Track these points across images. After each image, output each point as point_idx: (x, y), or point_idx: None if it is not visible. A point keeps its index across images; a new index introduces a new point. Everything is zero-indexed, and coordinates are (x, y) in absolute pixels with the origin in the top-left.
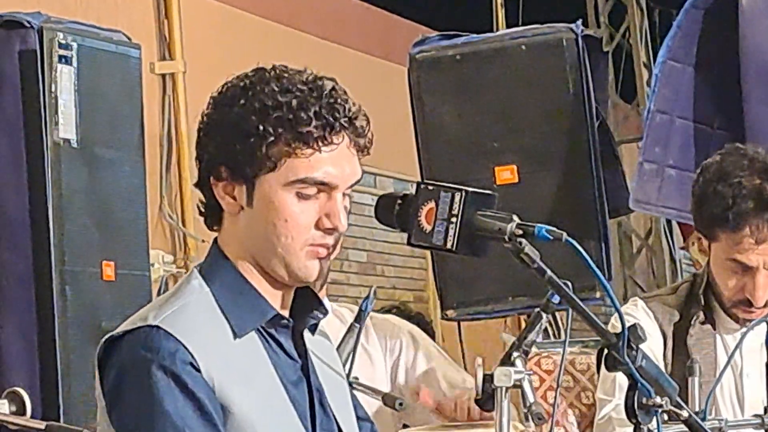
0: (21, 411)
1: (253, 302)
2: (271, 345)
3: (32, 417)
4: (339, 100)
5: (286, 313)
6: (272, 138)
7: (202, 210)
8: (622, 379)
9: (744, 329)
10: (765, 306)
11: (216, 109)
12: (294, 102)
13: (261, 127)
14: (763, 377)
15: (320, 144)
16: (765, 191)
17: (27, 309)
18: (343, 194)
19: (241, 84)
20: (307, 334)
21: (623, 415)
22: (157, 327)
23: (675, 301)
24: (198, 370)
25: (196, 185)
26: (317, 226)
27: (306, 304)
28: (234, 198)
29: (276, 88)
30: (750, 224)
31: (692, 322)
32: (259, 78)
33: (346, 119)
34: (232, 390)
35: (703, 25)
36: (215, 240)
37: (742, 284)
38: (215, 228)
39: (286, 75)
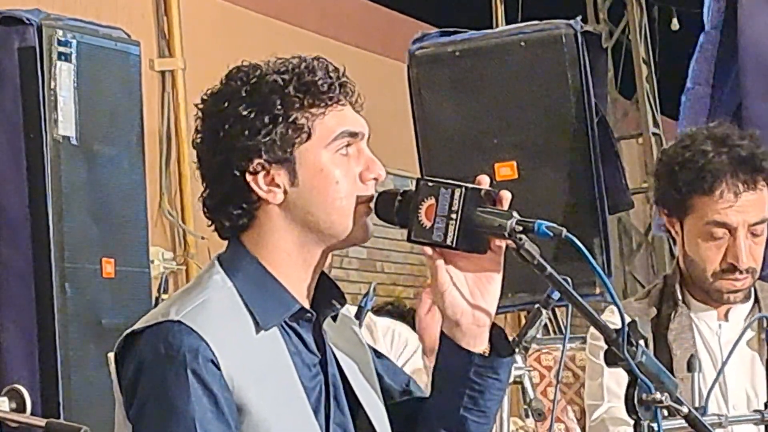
0: (21, 408)
1: (279, 295)
2: (293, 340)
3: (32, 414)
4: (330, 65)
5: (308, 305)
6: (298, 105)
7: (231, 218)
8: (608, 383)
9: (723, 321)
10: (748, 273)
11: (218, 114)
12: (301, 69)
13: (283, 101)
14: (745, 369)
15: (339, 99)
16: (734, 149)
17: (27, 306)
18: None
19: (230, 82)
20: (328, 321)
21: (615, 415)
22: (179, 322)
23: (650, 301)
24: (218, 368)
25: (222, 200)
26: (363, 177)
27: (326, 294)
28: (277, 185)
29: (277, 68)
30: (726, 180)
31: (671, 317)
32: (250, 67)
33: (345, 78)
34: (250, 389)
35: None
36: (235, 236)
37: (724, 251)
38: (243, 231)
39: (271, 59)
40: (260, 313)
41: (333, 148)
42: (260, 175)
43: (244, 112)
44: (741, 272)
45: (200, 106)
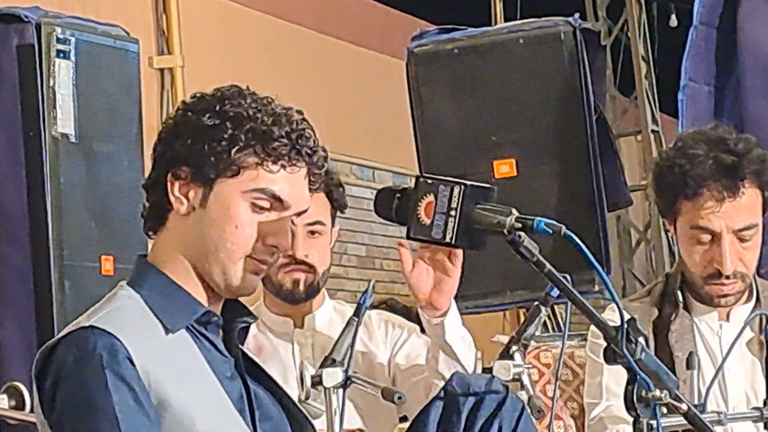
0: (20, 405)
1: (183, 301)
2: (203, 343)
3: (31, 411)
4: (307, 131)
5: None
6: (242, 145)
7: (146, 211)
8: (608, 382)
9: (724, 322)
10: (736, 278)
11: (188, 112)
12: (268, 119)
13: (234, 133)
14: (746, 370)
15: (285, 163)
16: (719, 156)
17: (26, 303)
18: (292, 222)
19: (217, 94)
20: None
21: (613, 413)
22: (92, 326)
23: (651, 301)
24: (133, 365)
25: (145, 184)
26: (263, 241)
27: (234, 310)
28: (188, 198)
29: (252, 104)
30: (709, 186)
31: (672, 319)
32: (235, 92)
33: (310, 150)
34: (169, 385)
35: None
36: (140, 256)
37: (710, 255)
38: (153, 232)
39: (259, 96)
40: (167, 318)
41: (249, 197)
42: (179, 183)
43: (202, 121)
44: (727, 277)
45: (188, 98)
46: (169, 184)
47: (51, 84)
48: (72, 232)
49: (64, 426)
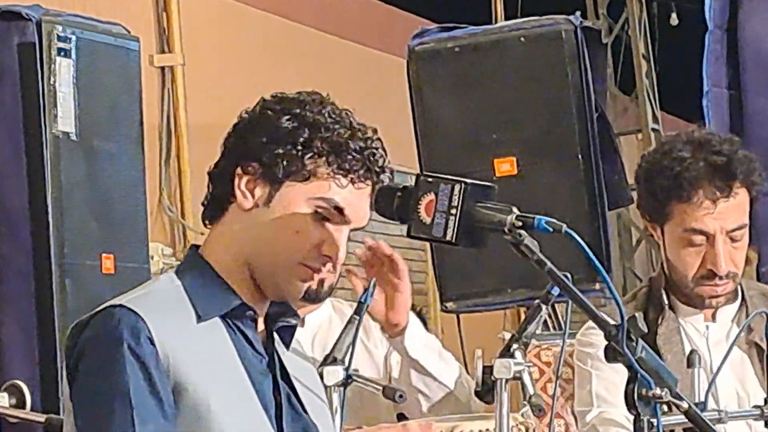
0: (21, 404)
1: (221, 292)
2: (238, 336)
3: (32, 410)
4: (379, 150)
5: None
6: (316, 153)
7: (208, 200)
8: (597, 389)
9: (710, 323)
10: (729, 278)
11: (267, 110)
12: (345, 132)
13: (310, 140)
14: (735, 368)
15: (354, 178)
16: (710, 157)
17: (26, 302)
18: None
19: (299, 97)
20: (284, 350)
21: (605, 417)
22: (120, 305)
23: (636, 305)
24: (154, 345)
25: (211, 173)
26: (317, 249)
27: (280, 310)
28: (253, 195)
29: (331, 113)
30: (703, 187)
31: (659, 322)
32: (316, 98)
33: (379, 169)
34: (189, 369)
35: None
36: (193, 246)
37: (703, 257)
38: (210, 222)
39: (338, 107)
40: (201, 305)
41: (313, 205)
42: (247, 178)
43: (280, 122)
44: (721, 278)
45: (268, 95)
46: (236, 177)
47: (52, 82)
48: (73, 231)
49: (82, 397)
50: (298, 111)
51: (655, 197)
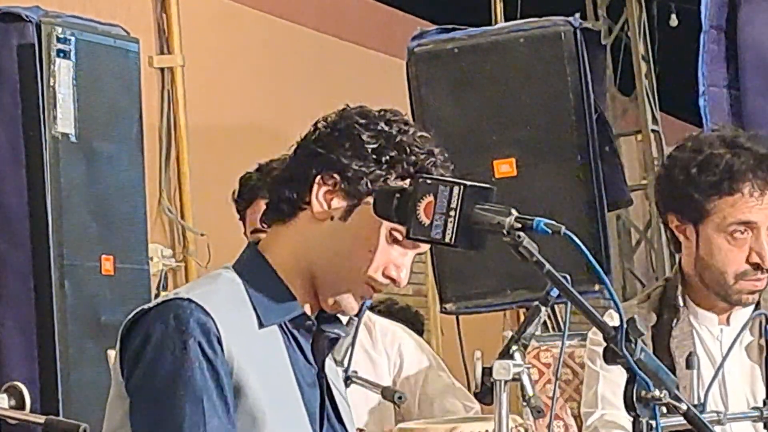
0: (20, 405)
1: (283, 298)
2: (292, 344)
3: (31, 411)
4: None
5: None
6: (399, 176)
7: (276, 201)
8: (603, 392)
9: (725, 326)
10: (764, 273)
11: (351, 122)
12: (428, 158)
13: (395, 161)
14: (746, 374)
15: None
16: (748, 150)
17: (26, 303)
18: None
19: (385, 115)
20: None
21: (607, 419)
22: (189, 300)
23: (650, 306)
24: (221, 346)
25: (284, 176)
26: (384, 271)
27: (328, 320)
28: (329, 206)
29: (413, 135)
30: (749, 179)
31: (673, 325)
32: (401, 119)
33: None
34: (249, 374)
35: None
36: (252, 243)
37: (747, 251)
38: (274, 222)
39: (417, 129)
40: (263, 311)
41: (390, 227)
42: (326, 188)
43: (367, 138)
44: (763, 271)
45: (354, 105)
46: (315, 185)
47: (51, 83)
48: (72, 232)
49: (144, 390)
50: (384, 129)
51: (695, 194)
